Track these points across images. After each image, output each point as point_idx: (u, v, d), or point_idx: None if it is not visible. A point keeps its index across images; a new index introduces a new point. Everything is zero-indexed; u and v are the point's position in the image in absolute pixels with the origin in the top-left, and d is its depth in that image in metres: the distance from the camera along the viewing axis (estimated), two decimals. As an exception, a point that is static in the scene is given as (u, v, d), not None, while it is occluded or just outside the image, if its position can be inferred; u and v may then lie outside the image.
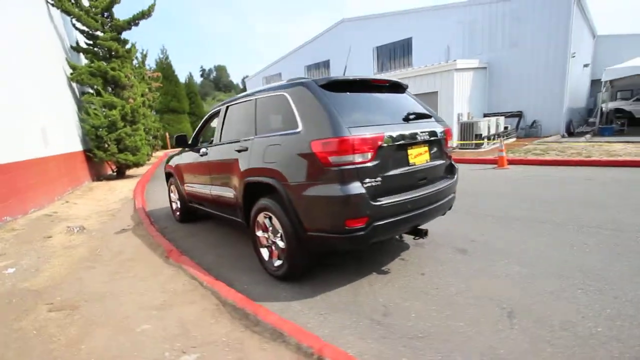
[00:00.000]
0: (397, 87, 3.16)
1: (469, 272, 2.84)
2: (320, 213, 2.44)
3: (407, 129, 2.68)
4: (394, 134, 2.55)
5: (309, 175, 2.44)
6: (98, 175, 10.33)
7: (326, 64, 22.36)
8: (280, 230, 2.76)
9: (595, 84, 18.88)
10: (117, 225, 5.17)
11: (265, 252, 3.08)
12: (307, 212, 2.50)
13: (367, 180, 2.39)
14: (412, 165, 2.71)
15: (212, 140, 4.89)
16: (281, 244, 2.81)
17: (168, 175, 5.45)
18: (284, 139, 2.66)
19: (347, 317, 2.31)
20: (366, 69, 19.57)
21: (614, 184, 5.48)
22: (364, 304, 2.46)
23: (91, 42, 9.59)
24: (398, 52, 18.48)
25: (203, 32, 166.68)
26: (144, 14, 9.72)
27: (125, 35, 10.22)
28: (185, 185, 4.67)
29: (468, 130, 11.33)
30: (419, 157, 2.78)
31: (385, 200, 2.45)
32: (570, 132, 14.02)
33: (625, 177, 5.96)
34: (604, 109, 14.07)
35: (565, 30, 12.96)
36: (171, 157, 5.46)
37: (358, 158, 2.35)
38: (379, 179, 2.45)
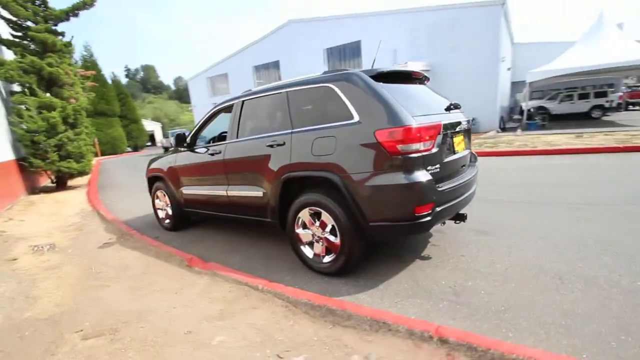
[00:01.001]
0: (423, 79, 3.31)
1: (502, 249, 3.09)
2: (388, 202, 2.46)
3: (451, 119, 2.83)
4: (447, 123, 2.68)
5: (375, 165, 2.44)
6: (33, 188, 8.89)
7: (276, 65, 22.14)
8: (332, 224, 2.71)
9: (514, 85, 21.69)
10: (94, 240, 4.54)
11: (307, 250, 2.98)
12: (371, 202, 2.49)
13: (430, 167, 2.48)
14: (456, 152, 2.87)
15: (210, 139, 4.60)
16: (333, 239, 2.76)
17: (152, 180, 4.93)
18: (339, 131, 2.61)
19: (423, 301, 2.36)
20: (316, 70, 19.77)
21: (574, 168, 6.36)
22: (430, 288, 2.53)
23: (20, 34, 8.20)
24: (348, 54, 19.08)
25: (126, 29, 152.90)
26: (86, 4, 8.64)
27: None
28: (182, 189, 4.28)
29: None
30: (459, 145, 2.95)
31: (444, 186, 2.57)
32: (503, 128, 15.87)
33: (579, 162, 6.90)
34: (524, 107, 16.21)
35: (496, 37, 14.66)
36: (154, 159, 4.97)
37: (423, 146, 2.42)
38: (438, 166, 2.56)
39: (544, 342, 1.85)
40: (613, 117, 17.00)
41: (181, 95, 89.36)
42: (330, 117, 2.73)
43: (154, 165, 4.88)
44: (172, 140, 4.07)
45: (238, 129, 3.54)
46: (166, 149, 27.76)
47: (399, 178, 2.38)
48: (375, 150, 2.44)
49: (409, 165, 2.38)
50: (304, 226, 2.97)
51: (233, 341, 2.06)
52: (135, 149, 31.59)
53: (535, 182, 5.50)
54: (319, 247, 2.91)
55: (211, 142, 4.51)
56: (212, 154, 3.75)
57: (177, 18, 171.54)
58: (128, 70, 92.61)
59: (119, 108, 28.61)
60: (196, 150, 4.08)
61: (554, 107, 18.31)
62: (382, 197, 2.46)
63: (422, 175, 2.40)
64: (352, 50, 18.90)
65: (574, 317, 2.04)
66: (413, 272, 2.81)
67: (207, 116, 4.05)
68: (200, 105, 27.14)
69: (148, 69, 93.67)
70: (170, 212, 4.65)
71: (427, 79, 3.34)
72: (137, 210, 6.03)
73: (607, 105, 17.36)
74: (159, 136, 46.90)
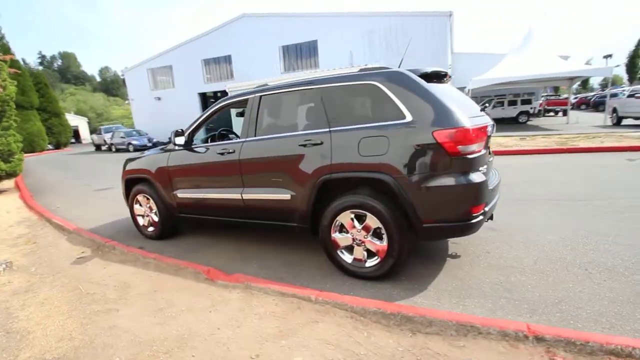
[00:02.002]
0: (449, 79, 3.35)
1: (519, 244, 3.29)
2: (445, 203, 2.45)
3: (487, 121, 2.92)
4: (489, 125, 2.76)
5: (433, 165, 2.42)
6: (-57, 194, 7.25)
7: (227, 59, 21.15)
8: (377, 227, 2.63)
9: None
10: (61, 255, 3.85)
11: (345, 255, 2.85)
12: (427, 203, 2.46)
13: (480, 168, 2.53)
14: (490, 154, 2.98)
15: (206, 138, 4.16)
16: (378, 242, 2.67)
17: (131, 183, 4.32)
18: (392, 130, 2.52)
19: (481, 300, 2.40)
20: (272, 67, 19.41)
21: (536, 168, 7.02)
22: (479, 287, 2.58)
23: None
24: (305, 53, 18.99)
25: (40, 11, 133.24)
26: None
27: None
28: (177, 192, 3.81)
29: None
30: (490, 147, 3.06)
31: (489, 186, 2.64)
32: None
33: (536, 162, 7.50)
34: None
35: (445, 45, 15.80)
36: (133, 159, 4.36)
37: (477, 147, 2.46)
38: (485, 166, 2.62)
39: (611, 330, 1.99)
40: (535, 121, 19.44)
41: (108, 87, 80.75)
42: (377, 116, 2.63)
43: (133, 166, 4.28)
44: (172, 137, 3.57)
45: (256, 127, 3.25)
46: (98, 147, 24.86)
47: (459, 179, 2.39)
48: (433, 151, 2.40)
49: (468, 166, 2.40)
50: (341, 230, 2.84)
51: (315, 361, 1.86)
52: (58, 146, 27.75)
53: (508, 182, 6.00)
54: (360, 252, 2.79)
55: (209, 140, 4.10)
56: (221, 154, 3.39)
57: (101, 2, 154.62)
58: (42, 57, 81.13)
59: (37, 100, 24.86)
60: (195, 149, 3.66)
61: (488, 112, 20.36)
62: (440, 198, 2.44)
63: (479, 176, 2.43)
64: (308, 49, 18.86)
65: (621, 304, 2.23)
66: (452, 272, 2.85)
67: (210, 111, 3.65)
68: (140, 98, 24.80)
69: (67, 57, 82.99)
70: (155, 218, 4.12)
71: (450, 77, 3.41)
72: (98, 218, 5.25)
73: (531, 111, 19.84)
74: (85, 132, 41.80)
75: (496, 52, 20.53)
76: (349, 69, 14.65)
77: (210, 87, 22.82)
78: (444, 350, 1.89)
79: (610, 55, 19.32)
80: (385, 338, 2.03)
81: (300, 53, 19.19)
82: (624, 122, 13.55)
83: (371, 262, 2.75)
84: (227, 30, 20.49)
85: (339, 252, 2.88)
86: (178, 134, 3.59)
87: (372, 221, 2.66)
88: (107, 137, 22.72)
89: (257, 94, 3.31)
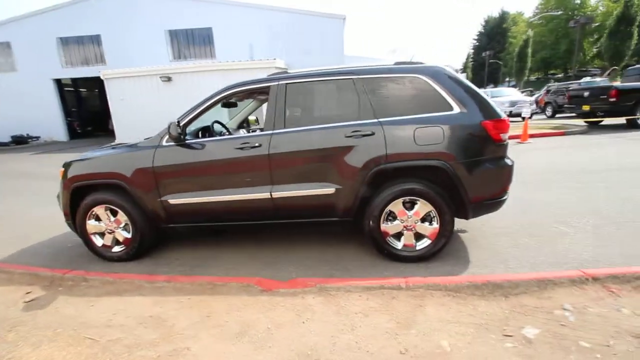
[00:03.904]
0: None
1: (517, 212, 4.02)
2: (490, 183, 2.84)
3: None
4: None
5: (481, 151, 2.77)
6: None
7: (95, 40, 17.50)
8: (429, 211, 2.84)
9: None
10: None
11: (395, 242, 2.96)
12: (477, 184, 2.79)
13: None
14: None
15: (195, 131, 3.51)
16: (428, 225, 2.88)
17: (80, 192, 3.29)
18: (445, 121, 2.74)
19: (524, 262, 2.85)
20: (159, 53, 17.10)
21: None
22: (506, 250, 3.06)
23: None
24: (197, 40, 17.42)
25: None
26: None
27: None
28: (168, 197, 3.12)
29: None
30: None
31: None
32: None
33: None
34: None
35: (340, 46, 16.98)
36: (77, 162, 3.35)
37: (508, 135, 2.93)
38: None
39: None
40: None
41: None
42: (426, 107, 2.82)
43: (86, 170, 3.27)
44: (170, 131, 2.86)
45: (285, 117, 2.98)
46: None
47: (500, 162, 2.83)
48: (482, 139, 2.76)
49: (504, 151, 2.87)
50: (389, 218, 2.93)
51: (463, 339, 1.95)
52: None
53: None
54: (409, 237, 2.94)
55: (200, 135, 3.49)
56: (241, 148, 2.97)
57: None
58: None
59: None
60: (197, 145, 3.08)
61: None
62: (486, 179, 2.82)
63: (510, 160, 2.91)
64: (202, 37, 17.38)
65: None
66: (476, 243, 3.28)
67: (213, 100, 3.13)
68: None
69: None
70: (126, 234, 3.29)
71: None
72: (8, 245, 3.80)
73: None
74: None
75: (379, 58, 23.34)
76: (252, 62, 14.29)
77: (70, 73, 18.46)
78: (538, 304, 2.25)
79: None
80: (488, 306, 2.26)
81: (193, 40, 17.49)
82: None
83: (421, 245, 2.94)
84: (93, 5, 16.89)
85: (387, 239, 2.96)
86: (174, 126, 2.95)
87: (424, 206, 2.84)
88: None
89: (281, 82, 3.03)
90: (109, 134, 17.42)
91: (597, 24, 37.92)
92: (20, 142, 17.91)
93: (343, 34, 16.91)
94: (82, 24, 17.11)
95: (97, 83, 16.42)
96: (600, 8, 43.06)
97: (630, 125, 9.98)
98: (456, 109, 2.77)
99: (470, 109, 2.77)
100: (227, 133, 3.78)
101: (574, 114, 12.04)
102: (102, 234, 3.36)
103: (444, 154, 2.74)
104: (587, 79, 18.18)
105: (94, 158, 3.34)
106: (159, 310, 2.41)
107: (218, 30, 17.04)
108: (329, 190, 2.91)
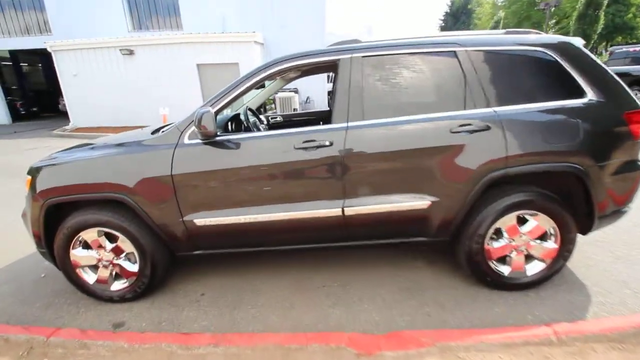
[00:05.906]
0: None
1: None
2: (625, 189, 2.25)
3: None
4: None
5: (622, 151, 2.18)
6: None
7: (37, 5, 14.81)
8: (546, 227, 2.23)
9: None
10: None
11: (500, 267, 2.32)
12: (611, 191, 2.20)
13: None
14: None
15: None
16: (545, 245, 2.27)
17: (58, 210, 2.29)
18: (581, 112, 2.09)
19: None
20: (115, 22, 14.89)
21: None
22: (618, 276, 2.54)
23: None
24: (161, 10, 15.36)
25: None
26: None
27: None
28: (194, 216, 2.23)
29: (288, 104, 11.93)
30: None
31: None
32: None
33: None
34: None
35: (322, 22, 15.78)
36: (49, 167, 2.35)
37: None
38: None
39: None
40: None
41: None
42: (552, 93, 2.16)
43: (67, 179, 2.28)
44: (201, 122, 1.94)
45: (363, 105, 2.16)
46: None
47: (637, 164, 2.23)
48: (622, 135, 2.16)
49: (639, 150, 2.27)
50: (494, 237, 2.28)
51: None
52: None
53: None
54: (519, 259, 2.32)
55: (230, 127, 2.57)
56: (304, 148, 2.13)
57: None
58: None
59: None
60: (231, 143, 2.19)
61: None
62: (622, 185, 2.24)
63: (640, 160, 2.34)
64: (166, 7, 15.32)
65: None
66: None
67: (257, 78, 2.24)
68: None
69: None
70: (132, 267, 2.37)
71: None
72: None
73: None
74: None
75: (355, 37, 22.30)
76: (229, 35, 12.91)
77: (7, 44, 15.70)
78: None
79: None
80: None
81: (155, 9, 15.37)
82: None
83: (533, 269, 2.34)
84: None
85: (490, 263, 2.31)
86: (212, 118, 2.02)
87: (544, 221, 2.22)
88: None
89: (355, 54, 2.19)
90: (60, 115, 15.17)
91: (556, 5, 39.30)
92: (-54, 125, 15.10)
93: (324, 9, 15.69)
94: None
95: (41, 57, 14.04)
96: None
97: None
98: (591, 96, 2.13)
99: (609, 96, 2.14)
100: (259, 125, 2.88)
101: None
102: (93, 267, 2.41)
103: (580, 155, 2.10)
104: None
105: (75, 162, 2.34)
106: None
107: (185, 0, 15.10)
108: (423, 203, 2.19)
